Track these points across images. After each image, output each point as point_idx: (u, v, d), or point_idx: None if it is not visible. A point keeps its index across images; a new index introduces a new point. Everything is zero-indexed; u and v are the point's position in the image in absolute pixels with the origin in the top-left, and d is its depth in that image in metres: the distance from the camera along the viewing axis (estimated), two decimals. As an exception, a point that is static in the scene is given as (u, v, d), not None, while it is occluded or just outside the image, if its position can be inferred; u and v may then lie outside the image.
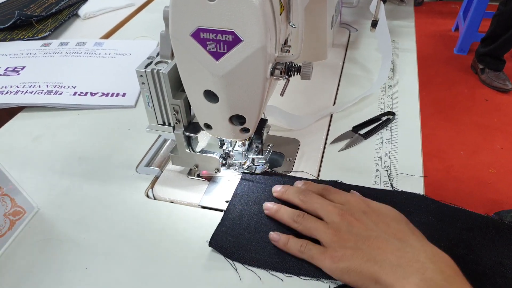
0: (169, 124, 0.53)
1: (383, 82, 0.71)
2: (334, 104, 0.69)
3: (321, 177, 0.55)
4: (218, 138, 0.57)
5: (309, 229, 0.44)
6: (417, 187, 0.52)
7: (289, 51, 0.48)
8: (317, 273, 0.42)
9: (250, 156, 0.56)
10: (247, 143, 0.56)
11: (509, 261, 0.43)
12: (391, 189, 0.52)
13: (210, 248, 0.46)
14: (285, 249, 0.44)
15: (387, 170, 0.55)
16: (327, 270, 0.41)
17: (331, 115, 0.66)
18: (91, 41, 0.87)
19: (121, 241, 0.48)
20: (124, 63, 0.81)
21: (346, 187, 0.51)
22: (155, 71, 0.48)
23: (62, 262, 0.46)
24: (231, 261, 0.44)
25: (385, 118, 0.64)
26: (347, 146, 0.60)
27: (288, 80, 0.47)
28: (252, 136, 0.55)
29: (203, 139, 0.59)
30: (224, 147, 0.56)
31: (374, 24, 0.78)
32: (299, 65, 0.48)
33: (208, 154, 0.54)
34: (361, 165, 0.56)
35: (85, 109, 0.70)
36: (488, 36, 2.11)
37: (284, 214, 0.46)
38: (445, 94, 2.13)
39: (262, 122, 0.55)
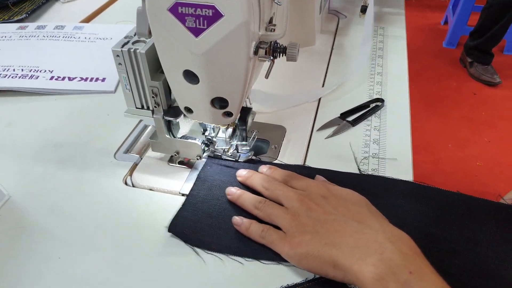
0: (148, 108, 0.50)
1: (361, 68, 0.69)
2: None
3: (308, 165, 0.53)
4: (200, 124, 0.55)
5: (269, 215, 0.43)
6: (406, 175, 0.50)
7: (274, 30, 0.45)
8: (278, 257, 0.41)
9: (234, 143, 0.54)
10: (230, 129, 0.54)
11: (480, 237, 0.43)
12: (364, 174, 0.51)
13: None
14: (246, 234, 0.43)
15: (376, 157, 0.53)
16: (286, 256, 0.40)
17: (319, 101, 0.64)
18: (70, 24, 0.84)
19: (97, 230, 0.46)
20: (105, 47, 0.77)
21: (314, 171, 0.50)
22: (132, 50, 0.45)
23: (34, 252, 0.44)
24: (191, 247, 0.43)
25: (373, 105, 0.62)
26: (335, 133, 0.58)
27: (273, 62, 0.45)
28: (236, 122, 0.53)
29: (185, 125, 0.57)
30: (206, 133, 0.54)
31: (364, 9, 0.76)
32: (285, 46, 0.46)
33: (189, 140, 0.52)
34: (348, 153, 0.54)
35: (62, 94, 0.67)
36: (477, 30, 2.11)
37: (246, 200, 0.46)
38: (433, 88, 2.13)
39: (247, 110, 0.53)
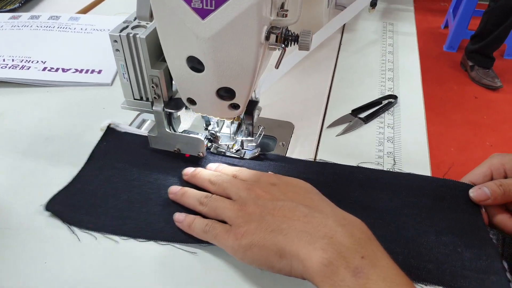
0: (147, 100, 0.46)
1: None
2: (330, 89, 0.64)
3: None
4: (203, 117, 0.51)
5: (215, 210, 0.40)
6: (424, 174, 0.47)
7: (286, 16, 0.42)
8: (155, 235, 0.41)
9: (239, 138, 0.50)
10: (235, 124, 0.51)
11: (400, 204, 0.43)
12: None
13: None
14: (189, 231, 0.40)
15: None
16: (231, 250, 0.36)
17: (328, 97, 0.61)
18: (65, 15, 0.80)
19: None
20: (102, 39, 0.73)
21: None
22: (131, 35, 0.42)
23: (18, 254, 0.40)
24: (67, 225, 0.42)
25: (386, 101, 0.59)
26: (346, 131, 0.54)
27: (285, 50, 0.41)
28: (242, 116, 0.49)
29: (186, 119, 0.53)
30: (210, 128, 0.50)
31: (374, 3, 0.73)
32: (297, 34, 0.42)
33: (191, 135, 0.48)
34: (361, 151, 0.51)
35: (55, 86, 0.63)
36: (478, 33, 2.09)
37: (190, 196, 0.42)
38: (434, 91, 2.11)
39: (253, 103, 0.49)
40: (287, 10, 0.42)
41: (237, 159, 0.50)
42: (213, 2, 0.34)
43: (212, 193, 0.42)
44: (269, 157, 0.50)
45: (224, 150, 0.50)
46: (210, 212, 0.40)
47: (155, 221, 0.42)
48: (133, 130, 0.53)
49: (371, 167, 0.48)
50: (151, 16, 0.40)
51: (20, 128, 0.56)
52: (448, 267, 0.38)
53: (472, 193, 0.42)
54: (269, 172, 0.45)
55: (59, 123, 0.56)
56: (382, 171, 0.48)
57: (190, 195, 0.42)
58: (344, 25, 0.82)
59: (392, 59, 0.69)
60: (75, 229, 0.42)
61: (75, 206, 0.44)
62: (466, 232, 0.41)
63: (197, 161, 0.49)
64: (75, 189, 0.46)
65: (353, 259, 0.31)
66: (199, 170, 0.45)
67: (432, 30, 2.72)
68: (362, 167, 0.48)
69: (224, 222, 0.39)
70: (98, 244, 0.40)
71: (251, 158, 0.50)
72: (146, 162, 0.49)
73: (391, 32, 0.78)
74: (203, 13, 0.35)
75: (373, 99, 0.59)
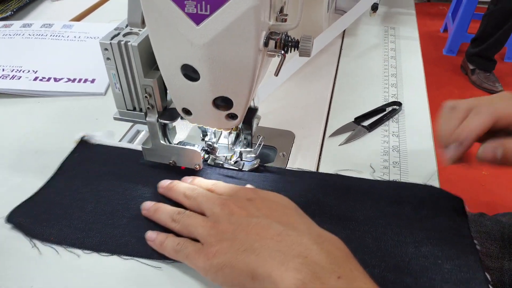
0: (141, 110, 0.44)
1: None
2: (331, 96, 0.61)
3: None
4: (199, 128, 0.49)
5: (187, 227, 0.37)
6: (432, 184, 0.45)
7: (285, 21, 0.40)
8: (119, 249, 0.39)
9: (238, 149, 0.48)
10: (233, 134, 0.48)
11: (379, 213, 0.41)
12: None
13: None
14: (161, 251, 0.38)
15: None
16: (202, 271, 0.34)
17: (329, 104, 0.59)
18: (59, 23, 0.78)
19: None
20: (96, 47, 0.71)
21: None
22: (122, 43, 0.40)
23: (3, 277, 0.37)
24: (29, 238, 0.40)
25: (390, 108, 0.57)
26: (349, 139, 0.52)
27: (284, 56, 0.39)
28: (240, 126, 0.47)
29: (182, 130, 0.51)
30: (207, 139, 0.48)
31: (375, 7, 0.71)
32: (297, 39, 0.40)
33: (187, 147, 0.45)
34: (366, 161, 0.49)
35: (47, 96, 0.61)
36: (478, 36, 2.07)
37: (163, 213, 0.40)
38: (434, 95, 2.08)
39: (252, 111, 0.47)
40: (286, 15, 0.40)
41: (236, 171, 0.47)
42: (208, 6, 0.32)
43: (187, 208, 0.40)
44: (269, 169, 0.48)
45: (222, 162, 0.48)
46: (183, 229, 0.38)
47: (120, 235, 0.40)
48: (107, 142, 0.51)
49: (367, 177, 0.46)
50: (143, 22, 0.37)
51: (8, 140, 0.53)
52: (427, 281, 0.36)
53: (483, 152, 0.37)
54: (248, 185, 0.44)
55: (50, 135, 0.54)
56: (361, 179, 0.46)
57: (162, 211, 0.40)
58: (344, 30, 0.80)
59: (395, 64, 0.67)
60: (37, 242, 0.40)
61: (38, 217, 0.42)
62: (448, 242, 0.39)
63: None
64: (39, 200, 0.44)
65: (328, 279, 0.29)
66: (175, 183, 0.43)
67: (431, 34, 2.71)
68: (340, 175, 0.46)
69: (197, 240, 0.36)
70: (59, 258, 0.38)
71: (250, 170, 0.47)
72: (117, 173, 0.47)
73: (393, 37, 0.76)
74: (197, 19, 0.33)
75: (376, 106, 0.57)
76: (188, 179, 0.44)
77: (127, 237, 0.40)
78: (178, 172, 0.46)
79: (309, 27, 0.70)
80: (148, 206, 0.41)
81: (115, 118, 0.46)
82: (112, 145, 0.51)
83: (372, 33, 0.77)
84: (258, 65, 0.36)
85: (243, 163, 0.48)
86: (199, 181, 0.44)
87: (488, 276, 0.36)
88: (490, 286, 0.35)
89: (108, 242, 0.40)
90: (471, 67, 2.15)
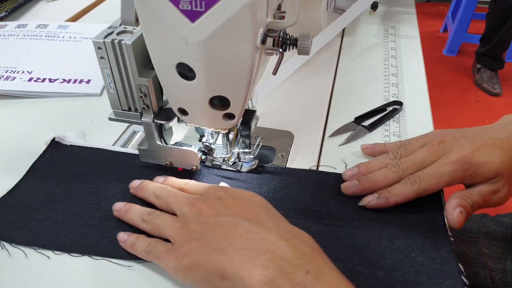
0: (136, 111, 0.43)
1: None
2: (331, 95, 0.60)
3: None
4: (196, 128, 0.48)
5: (157, 227, 0.37)
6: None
7: (283, 18, 0.39)
8: (90, 249, 0.38)
9: (236, 150, 0.47)
10: (231, 135, 0.47)
11: (353, 208, 0.42)
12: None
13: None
14: (132, 251, 0.38)
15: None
16: (171, 271, 0.34)
17: (329, 104, 0.58)
18: (54, 23, 0.77)
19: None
20: (91, 47, 0.70)
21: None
22: (116, 41, 0.39)
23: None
24: None
25: (391, 108, 0.56)
26: (349, 140, 0.51)
27: (283, 55, 0.38)
28: (238, 127, 0.46)
29: (178, 130, 0.50)
30: (204, 140, 0.47)
31: (375, 6, 0.70)
32: (296, 37, 0.39)
33: (184, 148, 0.44)
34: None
35: (41, 97, 0.60)
36: (484, 36, 2.07)
37: (134, 213, 0.40)
38: (435, 95, 2.08)
39: (250, 112, 0.46)
40: (284, 12, 0.39)
41: (233, 172, 0.46)
42: (203, 3, 0.31)
43: (158, 208, 0.40)
44: (268, 169, 0.47)
45: (219, 163, 0.47)
46: (153, 230, 0.38)
47: (91, 235, 0.40)
48: (79, 142, 0.51)
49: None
50: (137, 20, 0.36)
51: (3, 142, 0.52)
52: (400, 274, 0.35)
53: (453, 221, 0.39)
54: (220, 183, 0.44)
55: (45, 136, 0.53)
56: (334, 173, 0.45)
57: (133, 212, 0.40)
58: (343, 28, 0.79)
59: (396, 63, 0.66)
60: (6, 244, 0.39)
61: (7, 219, 0.41)
62: (423, 234, 0.39)
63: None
64: (9, 202, 0.43)
65: (296, 274, 0.29)
66: (145, 183, 0.43)
67: (431, 34, 2.70)
68: (314, 170, 0.46)
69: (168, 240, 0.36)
70: (27, 260, 0.38)
71: (249, 171, 0.46)
72: (89, 173, 0.47)
73: (393, 36, 0.75)
74: (192, 16, 0.32)
75: (377, 106, 0.56)
76: (160, 178, 0.44)
77: (98, 237, 0.40)
78: (149, 171, 0.46)
79: (308, 26, 0.69)
80: (119, 207, 0.41)
81: (110, 119, 0.45)
82: (84, 145, 0.50)
83: (372, 32, 0.76)
84: (255, 63, 0.35)
85: (241, 164, 0.47)
86: (171, 180, 0.43)
87: (461, 267, 0.36)
88: (463, 277, 0.35)
89: (79, 242, 0.39)
90: (478, 66, 2.15)
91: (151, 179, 0.44)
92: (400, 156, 0.43)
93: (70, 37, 0.73)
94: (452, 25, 2.43)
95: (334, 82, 0.63)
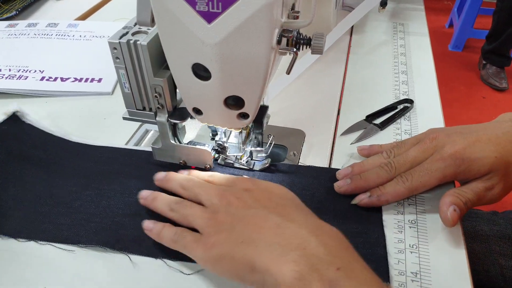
0: (150, 110, 0.44)
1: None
2: (341, 93, 0.60)
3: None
4: (209, 127, 0.48)
5: (186, 217, 0.37)
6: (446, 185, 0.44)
7: (297, 18, 0.39)
8: (36, 235, 0.40)
9: (248, 149, 0.47)
10: (244, 133, 0.48)
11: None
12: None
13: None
14: (158, 240, 0.38)
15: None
16: (200, 261, 0.35)
17: (340, 102, 0.58)
18: (64, 22, 0.77)
19: (91, 254, 0.39)
20: (101, 46, 0.71)
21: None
22: (131, 42, 0.39)
23: (16, 279, 0.37)
24: None
25: (402, 106, 0.56)
26: (361, 138, 0.51)
27: (296, 54, 0.39)
28: (251, 125, 0.46)
29: (191, 129, 0.50)
30: (217, 138, 0.47)
31: (384, 3, 0.70)
32: (309, 37, 0.39)
33: (198, 147, 0.45)
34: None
35: (54, 96, 0.60)
36: (491, 33, 2.05)
37: (161, 202, 0.40)
38: (441, 91, 2.06)
39: (263, 109, 0.46)
40: (298, 12, 0.39)
41: (246, 171, 0.47)
42: (220, 4, 0.31)
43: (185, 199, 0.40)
44: (280, 167, 0.47)
45: (232, 162, 0.47)
46: (181, 219, 0.38)
47: (40, 221, 0.41)
48: (38, 124, 0.52)
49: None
50: (153, 21, 0.37)
51: (16, 141, 0.53)
52: None
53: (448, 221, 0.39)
54: (244, 176, 0.43)
55: (58, 135, 0.53)
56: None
57: (161, 200, 0.40)
58: (352, 26, 0.79)
59: (405, 61, 0.66)
60: None
61: None
62: (358, 221, 0.40)
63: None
64: None
65: (327, 271, 0.29)
66: (172, 174, 0.43)
67: (436, 29, 2.68)
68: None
69: (195, 229, 0.37)
70: None
71: (261, 170, 0.47)
72: (44, 159, 0.47)
73: (402, 33, 0.74)
74: (209, 17, 0.32)
75: (387, 104, 0.56)
76: (184, 171, 0.44)
77: (46, 224, 0.41)
78: (113, 166, 0.47)
79: (318, 24, 0.69)
80: (146, 195, 0.41)
81: (124, 118, 0.45)
82: (41, 128, 0.51)
83: (381, 30, 0.76)
84: (270, 64, 0.36)
85: (254, 163, 0.47)
86: (196, 173, 0.44)
87: (388, 251, 0.38)
88: (388, 260, 0.37)
89: (27, 228, 0.40)
90: (483, 62, 2.14)
91: (113, 173, 0.46)
92: (393, 155, 0.44)
93: (80, 36, 0.73)
94: (457, 21, 2.41)
95: (344, 80, 0.63)
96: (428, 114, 0.55)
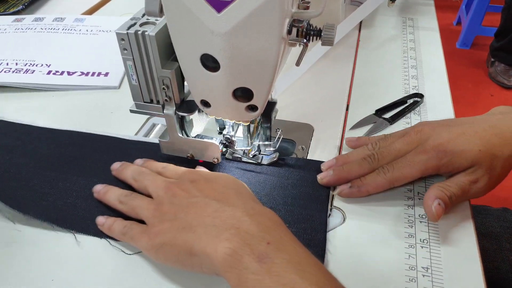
0: (158, 103, 0.43)
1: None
2: (350, 88, 0.60)
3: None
4: (217, 120, 0.48)
5: (134, 208, 0.39)
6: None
7: (308, 8, 0.38)
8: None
9: (256, 143, 0.47)
10: (252, 127, 0.47)
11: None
12: None
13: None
14: (110, 234, 0.39)
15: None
16: (145, 250, 0.36)
17: (349, 96, 0.57)
18: (70, 16, 0.77)
19: (99, 246, 0.39)
20: (108, 40, 0.71)
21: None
22: (139, 33, 0.38)
23: (23, 270, 0.37)
24: None
25: (411, 100, 0.55)
26: (371, 132, 0.50)
27: (307, 45, 0.38)
28: (259, 119, 0.46)
29: (198, 123, 0.50)
30: (224, 132, 0.47)
31: (394, -3, 0.69)
32: (319, 28, 0.39)
33: (205, 140, 0.44)
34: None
35: (60, 90, 0.60)
36: (500, 31, 2.03)
37: (112, 195, 0.41)
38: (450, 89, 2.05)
39: (271, 104, 0.46)
40: (308, 2, 0.39)
41: (254, 165, 0.46)
42: (230, -8, 0.31)
43: (136, 190, 0.41)
44: (288, 161, 0.46)
45: (240, 156, 0.47)
46: (129, 211, 0.39)
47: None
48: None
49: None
50: (161, 11, 0.36)
51: (23, 134, 0.53)
52: None
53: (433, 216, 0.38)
54: (197, 167, 0.45)
55: (64, 129, 0.53)
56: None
57: (111, 194, 0.41)
58: (360, 21, 0.78)
59: (415, 55, 0.65)
60: None
61: None
62: (304, 207, 0.41)
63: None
64: None
65: (258, 245, 0.30)
66: (125, 165, 0.44)
67: (444, 27, 2.66)
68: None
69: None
70: None
71: (269, 164, 0.46)
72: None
73: (412, 28, 0.74)
74: (219, 6, 0.32)
75: (397, 98, 0.55)
76: (140, 161, 0.45)
77: None
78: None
79: (326, 18, 0.68)
80: (99, 189, 0.42)
81: (131, 111, 0.45)
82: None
83: (390, 24, 0.75)
84: (280, 54, 0.35)
85: (262, 157, 0.47)
86: (150, 163, 0.44)
87: (328, 236, 0.39)
88: (327, 245, 0.38)
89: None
90: (492, 59, 2.11)
91: (76, 158, 0.47)
92: (378, 147, 0.43)
93: (87, 30, 0.73)
94: (465, 18, 2.39)
95: (353, 75, 0.62)
96: (439, 108, 0.54)
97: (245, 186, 0.39)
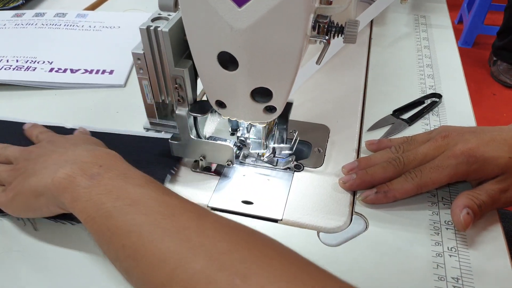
0: (172, 111, 0.41)
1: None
2: (365, 87, 0.58)
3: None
4: (229, 121, 0.46)
5: None
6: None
7: (331, 3, 0.36)
8: None
9: (271, 145, 0.45)
10: (266, 128, 0.45)
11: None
12: None
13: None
14: None
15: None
16: (3, 207, 0.38)
17: (364, 96, 0.55)
18: (72, 12, 0.75)
19: (101, 255, 0.36)
20: (112, 37, 0.68)
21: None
22: (151, 28, 0.36)
23: (21, 282, 0.34)
24: None
25: (429, 101, 0.53)
26: (389, 134, 0.48)
27: (329, 43, 0.36)
28: (275, 120, 0.44)
29: (209, 124, 0.48)
30: (238, 134, 0.45)
31: (407, -7, 0.67)
32: (341, 25, 0.37)
33: (219, 142, 0.42)
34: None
35: (63, 88, 0.58)
36: (503, 30, 2.01)
37: None
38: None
39: (288, 104, 0.44)
40: (331, -3, 0.37)
41: (269, 169, 0.44)
42: (252, -15, 0.29)
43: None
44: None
45: (254, 158, 0.45)
46: None
47: None
48: None
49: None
50: (176, 5, 0.34)
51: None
52: None
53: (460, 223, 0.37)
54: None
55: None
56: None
57: None
58: (372, 19, 0.76)
59: (429, 54, 0.63)
60: None
61: None
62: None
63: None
64: None
65: (90, 168, 0.33)
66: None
67: (445, 25, 2.65)
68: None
69: None
70: None
71: (285, 168, 0.44)
72: None
73: (424, 25, 0.72)
74: (240, 0, 0.29)
75: (413, 98, 0.53)
76: (28, 125, 0.47)
77: None
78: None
79: (338, 16, 0.66)
80: None
81: (146, 128, 0.43)
82: None
83: (402, 22, 0.73)
84: (303, 52, 0.33)
85: (277, 160, 0.45)
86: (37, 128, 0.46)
87: (169, 177, 0.41)
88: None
89: None
90: (494, 58, 2.10)
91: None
92: (403, 150, 0.42)
93: (90, 26, 0.71)
94: (467, 17, 2.37)
95: (367, 74, 0.60)
96: (457, 108, 0.52)
97: (101, 142, 0.41)
